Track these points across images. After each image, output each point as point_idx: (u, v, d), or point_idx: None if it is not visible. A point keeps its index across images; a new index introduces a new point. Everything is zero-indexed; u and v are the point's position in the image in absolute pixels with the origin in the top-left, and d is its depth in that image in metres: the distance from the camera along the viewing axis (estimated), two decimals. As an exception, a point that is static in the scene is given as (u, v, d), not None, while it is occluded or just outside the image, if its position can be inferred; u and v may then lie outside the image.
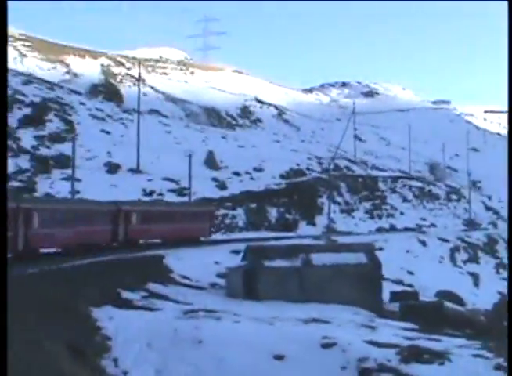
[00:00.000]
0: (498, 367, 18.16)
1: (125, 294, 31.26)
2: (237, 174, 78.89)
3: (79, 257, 37.77)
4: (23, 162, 67.02)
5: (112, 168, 71.44)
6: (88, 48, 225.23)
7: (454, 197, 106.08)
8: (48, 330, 21.11)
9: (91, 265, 35.98)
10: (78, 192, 62.78)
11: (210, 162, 79.61)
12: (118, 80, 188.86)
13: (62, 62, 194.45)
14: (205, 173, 76.21)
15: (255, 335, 22.42)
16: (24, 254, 34.16)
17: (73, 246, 39.24)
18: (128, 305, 28.92)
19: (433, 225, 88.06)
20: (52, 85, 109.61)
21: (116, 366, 21.27)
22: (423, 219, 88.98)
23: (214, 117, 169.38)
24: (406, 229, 77.85)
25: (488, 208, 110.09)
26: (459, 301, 45.68)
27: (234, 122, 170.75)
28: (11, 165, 64.90)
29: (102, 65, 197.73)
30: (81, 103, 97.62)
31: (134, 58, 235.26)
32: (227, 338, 22.14)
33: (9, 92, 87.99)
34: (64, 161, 68.82)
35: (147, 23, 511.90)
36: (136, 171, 72.06)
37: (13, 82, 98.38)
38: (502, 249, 75.53)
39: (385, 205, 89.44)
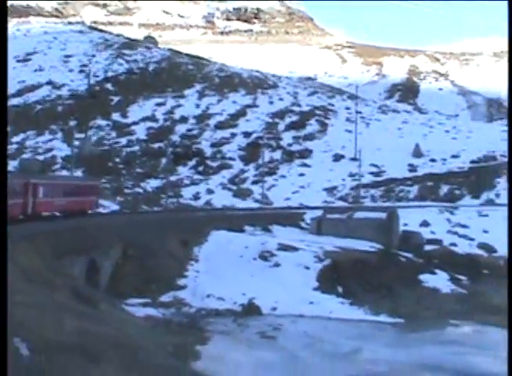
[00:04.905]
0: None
1: (245, 228, 60.51)
2: (433, 160, 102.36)
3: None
4: (277, 155, 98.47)
5: (337, 158, 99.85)
6: (408, 48, 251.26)
7: None
8: (176, 237, 51.45)
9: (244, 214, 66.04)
10: (303, 174, 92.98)
11: (416, 152, 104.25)
12: (422, 77, 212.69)
13: (378, 64, 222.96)
14: (407, 160, 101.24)
15: (256, 241, 51.11)
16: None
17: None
18: (236, 230, 58.13)
19: None
20: (334, 93, 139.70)
21: (199, 248, 51.14)
22: None
23: (494, 107, 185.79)
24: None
25: None
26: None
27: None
28: (267, 156, 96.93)
29: (411, 65, 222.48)
30: (347, 108, 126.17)
31: (451, 53, 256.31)
32: (241, 242, 51.17)
33: (288, 103, 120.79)
34: (305, 154, 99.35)
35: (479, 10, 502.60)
36: (354, 159, 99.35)
37: (301, 95, 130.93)
38: None
39: None
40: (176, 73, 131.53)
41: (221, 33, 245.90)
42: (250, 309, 38.64)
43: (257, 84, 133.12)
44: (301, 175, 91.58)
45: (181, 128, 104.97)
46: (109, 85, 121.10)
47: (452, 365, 29.59)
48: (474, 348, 33.22)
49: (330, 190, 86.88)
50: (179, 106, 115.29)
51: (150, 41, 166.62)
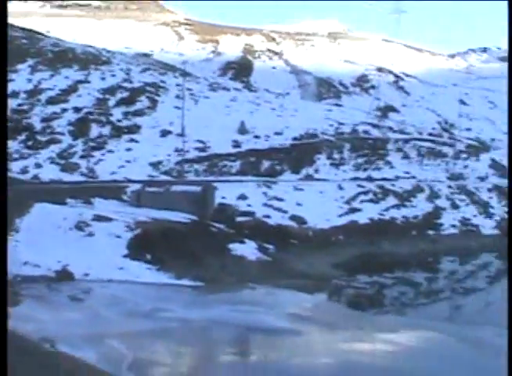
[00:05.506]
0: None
1: (68, 200, 62.84)
2: (257, 137, 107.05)
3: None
4: (106, 130, 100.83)
5: (164, 134, 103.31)
6: (246, 27, 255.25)
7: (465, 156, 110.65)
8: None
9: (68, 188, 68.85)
10: (131, 149, 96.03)
11: (241, 129, 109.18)
12: (256, 56, 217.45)
13: (214, 42, 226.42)
14: (232, 137, 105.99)
15: (74, 213, 54.11)
16: None
17: None
18: (58, 203, 60.66)
19: (412, 177, 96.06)
20: (166, 70, 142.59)
21: (21, 220, 53.25)
22: (407, 172, 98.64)
23: (324, 86, 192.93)
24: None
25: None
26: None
27: (345, 90, 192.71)
28: (96, 132, 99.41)
29: (246, 44, 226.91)
30: (178, 85, 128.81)
31: (287, 33, 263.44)
32: (60, 214, 54.10)
33: (119, 79, 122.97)
34: (133, 129, 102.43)
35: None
36: (181, 135, 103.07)
37: (133, 71, 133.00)
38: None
39: (381, 161, 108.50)
40: (9, 47, 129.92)
41: (60, 6, 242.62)
42: (64, 275, 41.79)
43: (91, 59, 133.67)
44: (129, 150, 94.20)
45: (11, 103, 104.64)
46: None
47: (241, 321, 33.99)
48: (265, 307, 37.75)
49: (156, 165, 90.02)
50: (11, 80, 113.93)
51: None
